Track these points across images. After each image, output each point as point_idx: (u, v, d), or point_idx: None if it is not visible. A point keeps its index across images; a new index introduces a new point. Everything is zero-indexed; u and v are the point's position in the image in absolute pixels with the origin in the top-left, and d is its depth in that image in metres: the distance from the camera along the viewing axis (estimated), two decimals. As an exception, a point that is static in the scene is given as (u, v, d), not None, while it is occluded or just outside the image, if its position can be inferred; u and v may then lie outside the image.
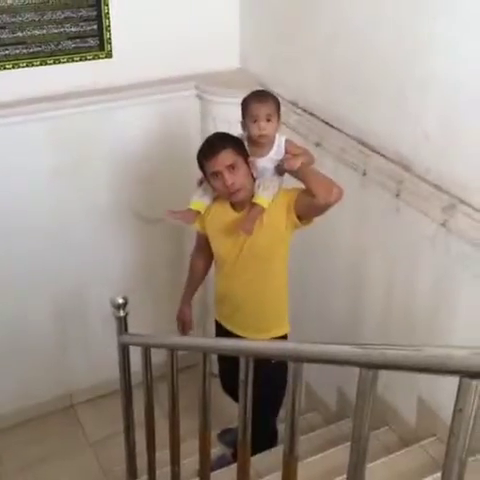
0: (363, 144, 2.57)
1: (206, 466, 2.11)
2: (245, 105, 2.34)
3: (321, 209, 2.24)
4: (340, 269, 2.95)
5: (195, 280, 2.82)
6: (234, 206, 2.42)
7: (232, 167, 2.28)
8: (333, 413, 3.18)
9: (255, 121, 2.29)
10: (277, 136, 2.35)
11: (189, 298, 2.84)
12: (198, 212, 2.47)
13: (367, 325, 2.84)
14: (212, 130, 3.06)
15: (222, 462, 2.90)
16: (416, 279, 2.49)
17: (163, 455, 2.49)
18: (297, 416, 1.52)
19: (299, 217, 2.29)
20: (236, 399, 2.72)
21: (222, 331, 2.65)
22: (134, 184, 3.34)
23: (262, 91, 2.50)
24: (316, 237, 2.83)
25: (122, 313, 2.58)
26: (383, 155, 2.49)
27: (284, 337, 2.54)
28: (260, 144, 2.34)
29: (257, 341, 1.97)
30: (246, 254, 2.41)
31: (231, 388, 2.65)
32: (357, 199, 2.63)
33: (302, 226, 2.33)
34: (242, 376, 1.73)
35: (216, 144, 2.32)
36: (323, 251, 3.03)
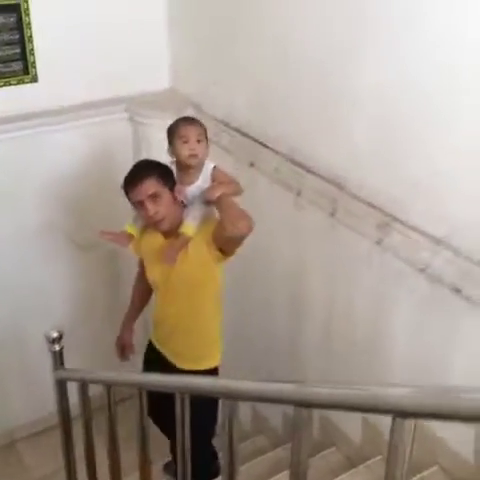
0: (297, 164, 2.55)
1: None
2: (173, 128, 2.33)
3: (232, 241, 2.22)
4: (278, 290, 2.92)
5: (135, 304, 2.77)
6: (164, 233, 2.37)
7: (154, 196, 2.24)
8: (280, 436, 3.14)
9: (185, 142, 2.28)
10: (205, 163, 2.34)
11: (130, 322, 2.79)
12: (131, 235, 2.43)
13: (308, 347, 2.82)
14: (144, 153, 3.02)
15: None
16: (354, 297, 2.47)
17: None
18: (235, 455, 1.46)
19: (220, 249, 2.27)
20: (165, 430, 2.69)
21: (154, 353, 2.60)
22: (65, 209, 3.25)
23: (190, 116, 2.50)
24: (253, 258, 2.81)
25: (57, 347, 2.49)
26: (317, 174, 2.47)
27: (215, 369, 2.51)
28: (190, 168, 2.32)
29: (192, 378, 1.90)
30: (174, 281, 2.39)
31: (160, 420, 2.62)
32: (293, 219, 2.61)
33: (224, 258, 2.31)
34: (178, 412, 1.68)
35: (138, 173, 2.28)
36: (261, 272, 3.00)
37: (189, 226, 2.29)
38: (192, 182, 2.34)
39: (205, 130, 2.34)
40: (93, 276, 3.49)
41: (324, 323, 2.68)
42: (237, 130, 2.83)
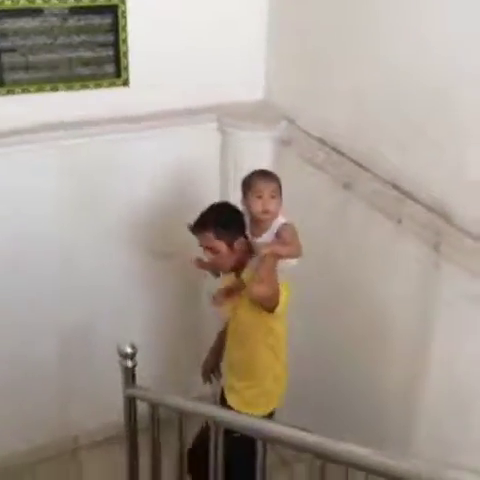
0: (398, 188, 2.36)
1: None
2: (249, 182, 2.35)
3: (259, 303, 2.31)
4: (361, 325, 2.73)
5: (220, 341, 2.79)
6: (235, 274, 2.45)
7: (209, 248, 2.37)
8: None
9: (259, 197, 2.30)
10: (277, 218, 2.36)
11: (216, 351, 2.80)
12: None
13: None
14: (231, 165, 2.89)
15: None
16: (456, 344, 2.24)
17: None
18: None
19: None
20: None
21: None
22: (147, 217, 3.16)
23: (266, 170, 2.45)
24: (338, 291, 2.65)
25: (130, 364, 2.42)
26: (421, 202, 2.27)
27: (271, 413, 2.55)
28: (261, 222, 2.35)
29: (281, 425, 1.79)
30: (232, 323, 2.51)
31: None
32: (389, 250, 2.43)
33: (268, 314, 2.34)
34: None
35: (200, 221, 2.38)
36: (343, 308, 2.82)
37: (248, 274, 2.36)
38: (260, 235, 2.37)
39: (280, 186, 2.35)
40: (170, 287, 3.40)
41: (415, 369, 2.46)
42: (333, 149, 2.67)
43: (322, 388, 3.02)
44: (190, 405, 2.15)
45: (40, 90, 2.78)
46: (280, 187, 2.35)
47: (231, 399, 2.58)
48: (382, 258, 2.51)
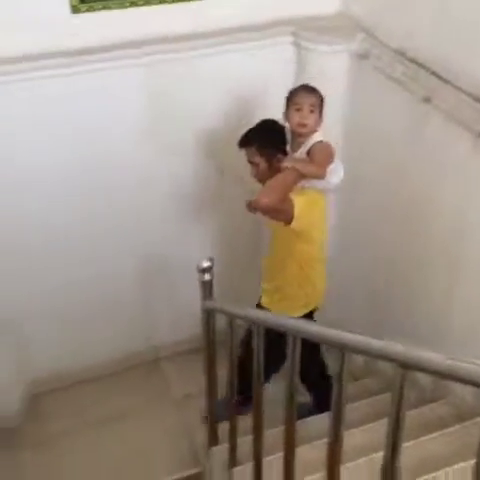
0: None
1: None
2: (291, 95, 2.44)
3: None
4: (434, 248, 2.70)
5: None
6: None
7: (252, 162, 2.50)
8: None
9: (298, 109, 2.38)
10: (315, 135, 2.42)
11: None
12: None
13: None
14: (306, 79, 2.82)
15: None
16: None
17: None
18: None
19: None
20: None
21: None
22: (222, 133, 3.12)
23: (309, 85, 2.50)
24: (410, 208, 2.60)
25: (207, 277, 2.49)
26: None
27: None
28: (299, 136, 2.43)
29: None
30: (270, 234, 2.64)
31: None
32: (468, 166, 2.36)
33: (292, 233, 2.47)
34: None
35: (245, 137, 2.50)
36: (417, 226, 2.78)
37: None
38: (296, 151, 2.46)
39: (322, 101, 2.41)
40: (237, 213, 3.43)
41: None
42: (413, 61, 2.56)
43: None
44: (268, 316, 2.20)
45: (120, 7, 2.74)
46: (322, 103, 2.41)
47: (263, 299, 2.75)
48: (459, 173, 2.44)
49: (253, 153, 2.48)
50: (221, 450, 2.67)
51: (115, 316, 3.47)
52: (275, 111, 2.49)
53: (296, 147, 2.46)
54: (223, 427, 2.66)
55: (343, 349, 1.50)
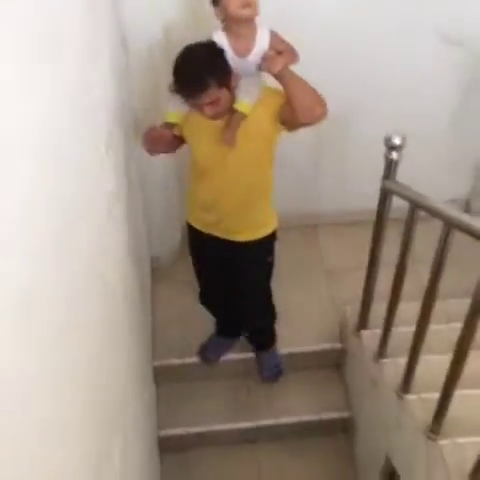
0: None
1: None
2: None
3: (302, 125, 2.11)
4: None
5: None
6: None
7: (215, 100, 2.06)
8: None
9: None
10: (259, 28, 2.08)
11: None
12: (175, 124, 2.26)
13: None
14: None
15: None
16: None
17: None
18: None
19: (282, 122, 2.16)
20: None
21: (201, 237, 2.53)
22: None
23: None
24: None
25: (395, 156, 2.28)
26: None
27: (273, 234, 2.50)
28: (243, 27, 2.06)
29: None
30: (234, 162, 2.22)
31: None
32: None
33: (288, 131, 2.20)
34: None
35: (197, 80, 2.01)
36: None
37: (244, 104, 2.12)
38: (248, 49, 2.10)
39: None
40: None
41: None
42: None
43: None
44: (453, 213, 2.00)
45: None
46: None
47: (238, 235, 2.46)
48: None
49: (212, 92, 2.03)
50: (370, 336, 2.59)
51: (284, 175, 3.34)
52: None
53: (243, 45, 2.09)
54: (375, 310, 2.57)
55: None
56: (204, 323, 3.00)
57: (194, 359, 3.02)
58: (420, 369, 2.23)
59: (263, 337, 3.00)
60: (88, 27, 1.75)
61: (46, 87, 1.19)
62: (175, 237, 3.32)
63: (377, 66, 2.99)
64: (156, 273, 3.31)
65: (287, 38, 2.16)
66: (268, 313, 2.82)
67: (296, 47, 2.15)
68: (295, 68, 2.12)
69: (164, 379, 3.02)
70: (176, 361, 3.02)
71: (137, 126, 2.59)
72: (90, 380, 1.50)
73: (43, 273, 1.10)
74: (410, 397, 2.28)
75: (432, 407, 2.07)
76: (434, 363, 2.17)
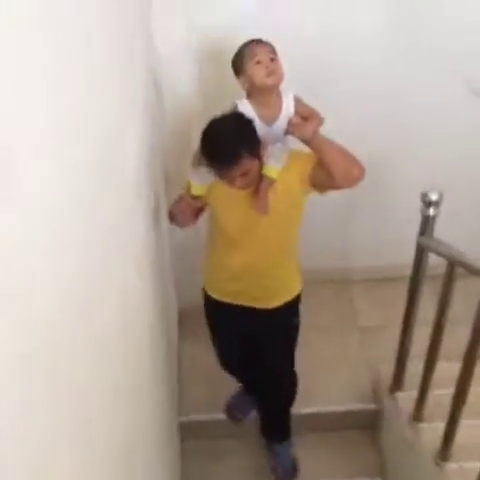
0: None
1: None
2: (241, 52, 2.09)
3: (338, 189, 2.08)
4: None
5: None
6: None
7: (246, 172, 2.02)
8: None
9: (258, 62, 2.04)
10: (284, 94, 2.12)
11: None
12: (200, 197, 2.19)
13: None
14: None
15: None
16: None
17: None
18: None
19: (314, 185, 2.11)
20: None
21: (220, 307, 2.44)
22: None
23: (255, 38, 2.12)
24: None
25: (432, 212, 2.24)
26: None
27: (298, 296, 2.42)
28: (269, 94, 2.09)
29: None
30: (264, 228, 2.18)
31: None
32: None
33: (320, 194, 2.16)
34: None
35: (229, 153, 1.97)
36: None
37: (272, 169, 2.09)
38: (275, 116, 2.12)
39: (274, 48, 2.08)
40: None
41: None
42: None
43: None
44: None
45: None
46: (275, 49, 2.08)
47: (266, 302, 2.38)
48: None
49: (246, 163, 1.99)
50: (406, 397, 2.49)
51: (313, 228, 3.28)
52: None
53: (269, 113, 2.11)
54: (410, 369, 2.48)
55: None
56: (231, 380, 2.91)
57: (220, 415, 2.93)
58: (461, 434, 2.11)
59: (279, 421, 2.80)
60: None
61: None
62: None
63: (411, 117, 2.97)
64: (183, 328, 3.26)
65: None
66: (289, 385, 2.65)
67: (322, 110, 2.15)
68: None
69: (189, 435, 2.93)
70: (203, 417, 2.94)
71: (167, 182, 2.61)
72: (109, 437, 1.44)
73: (68, 328, 1.06)
74: (450, 465, 2.15)
75: (474, 479, 1.95)
76: (476, 428, 2.06)
